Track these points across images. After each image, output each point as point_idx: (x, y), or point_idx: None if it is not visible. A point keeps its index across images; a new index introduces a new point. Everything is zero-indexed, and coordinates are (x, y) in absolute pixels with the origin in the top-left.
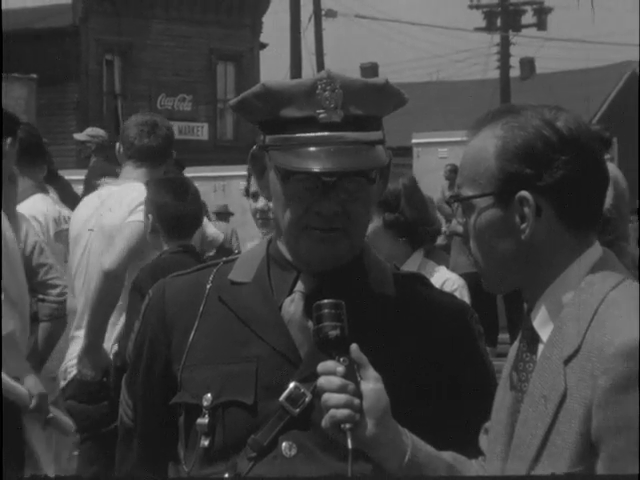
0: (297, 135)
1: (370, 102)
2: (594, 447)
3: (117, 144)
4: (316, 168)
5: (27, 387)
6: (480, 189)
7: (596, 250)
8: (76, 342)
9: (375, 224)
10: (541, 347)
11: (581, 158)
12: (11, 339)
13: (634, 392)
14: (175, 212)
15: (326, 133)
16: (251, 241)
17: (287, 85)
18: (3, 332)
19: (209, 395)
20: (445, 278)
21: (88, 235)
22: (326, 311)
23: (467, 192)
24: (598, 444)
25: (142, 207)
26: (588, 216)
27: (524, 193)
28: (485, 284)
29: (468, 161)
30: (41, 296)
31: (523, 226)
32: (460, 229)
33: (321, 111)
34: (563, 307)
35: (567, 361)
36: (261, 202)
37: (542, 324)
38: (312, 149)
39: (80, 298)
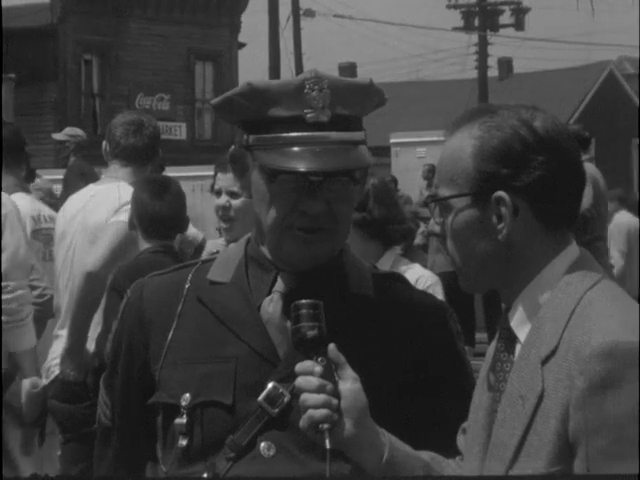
0: (283, 135)
1: (355, 102)
2: (572, 447)
3: (104, 143)
4: (304, 167)
5: (41, 397)
6: (457, 189)
7: (573, 250)
8: (59, 341)
9: None
10: (519, 347)
11: (558, 158)
12: (34, 352)
13: (611, 392)
14: (151, 211)
15: (312, 133)
16: (213, 240)
17: (274, 84)
18: (28, 346)
19: (187, 395)
20: (419, 275)
21: (72, 233)
22: (304, 311)
23: (444, 192)
24: (576, 444)
25: (126, 207)
26: (565, 216)
27: (501, 193)
28: (462, 284)
29: (445, 161)
30: None
31: (500, 226)
32: (437, 229)
33: (309, 111)
34: (540, 307)
35: (544, 361)
36: (223, 199)
37: (519, 324)
38: (297, 149)
39: (64, 296)
